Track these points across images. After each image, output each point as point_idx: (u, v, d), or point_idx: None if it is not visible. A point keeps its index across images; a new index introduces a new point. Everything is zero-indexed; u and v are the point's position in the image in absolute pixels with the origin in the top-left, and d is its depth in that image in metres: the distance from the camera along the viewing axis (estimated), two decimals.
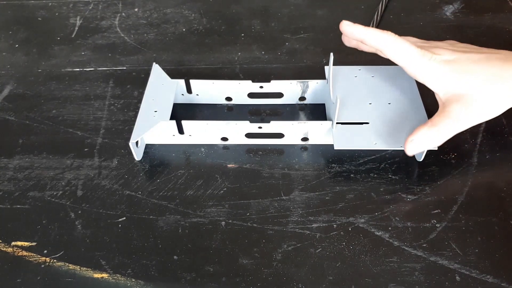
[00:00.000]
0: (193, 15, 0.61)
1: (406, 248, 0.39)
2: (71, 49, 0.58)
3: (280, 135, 0.46)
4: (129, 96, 0.53)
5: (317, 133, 0.46)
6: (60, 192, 0.43)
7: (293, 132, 0.46)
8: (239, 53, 0.58)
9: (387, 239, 0.39)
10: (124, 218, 0.41)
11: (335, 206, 0.42)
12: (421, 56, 0.42)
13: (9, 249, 0.39)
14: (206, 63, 0.57)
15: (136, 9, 0.62)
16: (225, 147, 0.46)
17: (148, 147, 0.47)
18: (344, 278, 0.37)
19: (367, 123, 0.45)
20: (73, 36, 0.60)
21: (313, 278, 0.37)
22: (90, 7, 0.63)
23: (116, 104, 0.52)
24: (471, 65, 0.41)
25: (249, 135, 0.46)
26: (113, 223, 0.41)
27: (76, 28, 0.60)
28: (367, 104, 0.47)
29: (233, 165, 0.45)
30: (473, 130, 0.47)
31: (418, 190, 0.43)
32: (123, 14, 0.62)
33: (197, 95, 0.50)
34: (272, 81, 0.49)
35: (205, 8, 0.62)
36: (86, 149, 0.47)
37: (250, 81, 0.49)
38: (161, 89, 0.48)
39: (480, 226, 0.40)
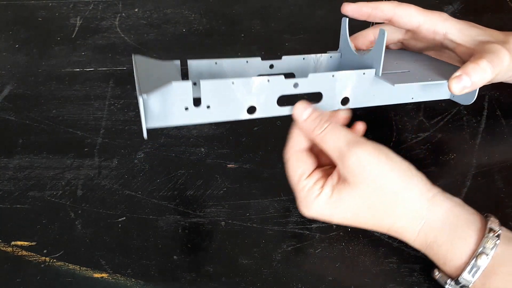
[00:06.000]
0: (193, 15, 0.61)
1: (406, 249, 0.39)
2: (71, 49, 0.59)
3: (318, 97, 0.40)
4: (129, 96, 0.53)
5: (359, 88, 0.40)
6: (60, 192, 0.43)
7: (332, 89, 0.40)
8: (239, 54, 0.58)
9: (386, 239, 0.39)
10: (124, 218, 0.41)
11: None
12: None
13: (9, 249, 0.39)
14: None
15: (136, 10, 0.62)
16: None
17: (147, 145, 0.47)
18: (344, 279, 0.37)
19: (408, 71, 0.42)
20: (73, 36, 0.60)
21: (313, 279, 0.37)
22: (90, 8, 0.63)
23: (116, 104, 0.52)
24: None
25: (281, 102, 0.39)
26: (113, 223, 0.41)
27: (76, 28, 0.61)
28: (394, 64, 0.44)
29: (233, 165, 0.45)
30: (472, 131, 0.47)
31: None
32: (123, 14, 0.62)
33: (194, 84, 0.41)
34: (283, 57, 0.44)
35: (205, 8, 0.62)
36: (86, 149, 0.47)
37: (259, 58, 0.43)
38: (157, 69, 0.41)
39: None
